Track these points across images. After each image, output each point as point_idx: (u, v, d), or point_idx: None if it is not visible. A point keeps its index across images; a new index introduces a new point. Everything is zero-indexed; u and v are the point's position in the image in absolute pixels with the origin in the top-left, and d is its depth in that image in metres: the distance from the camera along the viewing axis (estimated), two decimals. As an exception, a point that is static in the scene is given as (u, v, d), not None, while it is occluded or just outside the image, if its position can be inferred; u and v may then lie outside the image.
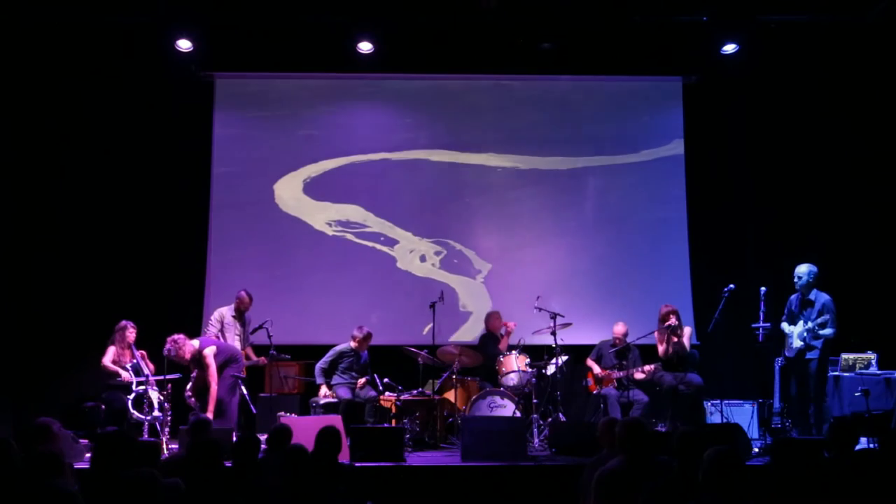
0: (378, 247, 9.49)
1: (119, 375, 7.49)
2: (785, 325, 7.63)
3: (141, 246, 8.93)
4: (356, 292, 9.27)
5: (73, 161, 9.05)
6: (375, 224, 9.53)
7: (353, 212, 9.54)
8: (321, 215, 9.52)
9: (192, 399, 7.45)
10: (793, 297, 7.68)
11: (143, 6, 8.26)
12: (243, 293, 8.24)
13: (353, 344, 8.07)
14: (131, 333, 7.66)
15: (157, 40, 8.45)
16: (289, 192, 9.51)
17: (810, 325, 7.42)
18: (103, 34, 8.73)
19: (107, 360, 7.57)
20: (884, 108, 8.92)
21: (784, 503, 4.16)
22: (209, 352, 7.41)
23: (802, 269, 7.58)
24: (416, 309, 8.85)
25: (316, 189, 9.53)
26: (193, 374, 7.48)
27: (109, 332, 7.73)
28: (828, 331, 7.40)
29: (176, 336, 7.35)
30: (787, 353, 7.65)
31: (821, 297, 7.51)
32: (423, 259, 9.52)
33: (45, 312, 8.75)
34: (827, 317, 7.35)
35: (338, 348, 8.09)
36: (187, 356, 7.36)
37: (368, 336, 8.08)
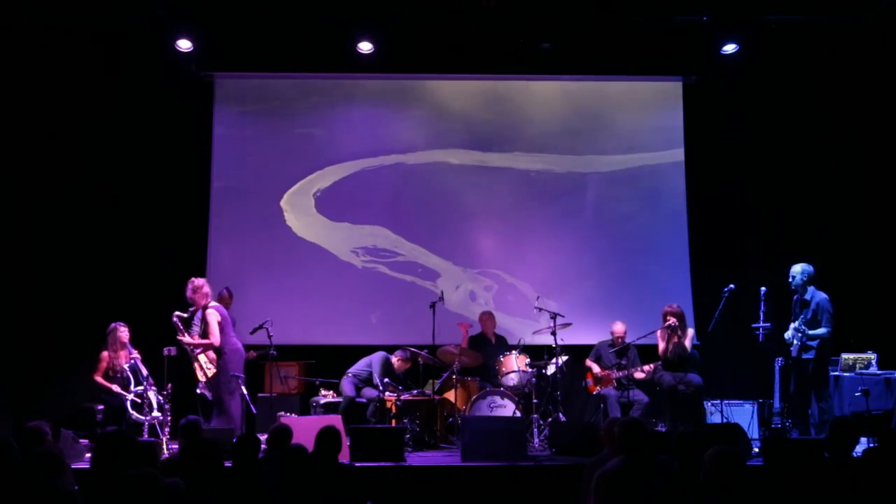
0: (419, 282, 9.03)
1: (111, 392, 7.47)
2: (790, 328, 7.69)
3: (141, 248, 8.91)
4: (362, 296, 9.19)
5: (73, 162, 9.03)
6: (408, 251, 9.17)
7: (380, 236, 9.21)
8: (344, 241, 9.18)
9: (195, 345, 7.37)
10: (797, 297, 7.72)
11: (143, 6, 8.26)
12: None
13: (395, 361, 8.14)
14: (124, 333, 7.63)
15: (157, 40, 8.44)
16: (300, 210, 9.22)
17: (796, 323, 7.54)
18: (103, 34, 8.73)
19: (99, 375, 7.54)
20: (884, 108, 8.92)
21: (783, 503, 4.16)
22: (212, 316, 7.34)
23: (796, 269, 7.66)
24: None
25: (330, 205, 9.26)
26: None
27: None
28: (821, 330, 7.49)
29: (200, 281, 7.39)
30: (792, 353, 7.68)
31: (816, 297, 7.60)
32: (472, 297, 9.11)
33: (44, 313, 8.73)
34: (812, 314, 7.49)
35: (380, 360, 8.09)
36: (200, 302, 7.34)
37: (409, 360, 8.20)
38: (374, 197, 9.32)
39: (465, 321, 8.72)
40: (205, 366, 7.37)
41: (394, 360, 8.15)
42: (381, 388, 7.82)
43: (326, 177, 9.36)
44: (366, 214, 9.30)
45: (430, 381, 8.18)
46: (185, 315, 7.36)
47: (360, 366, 8.15)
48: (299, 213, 9.28)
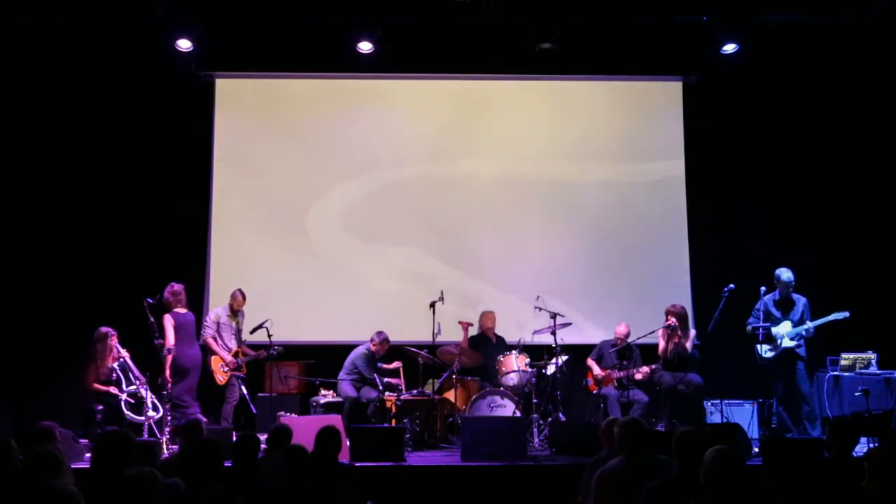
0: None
1: (109, 393, 7.46)
2: (778, 328, 7.73)
3: (141, 248, 8.89)
4: (362, 295, 9.18)
5: (73, 162, 9.03)
6: (447, 274, 8.96)
7: (415, 259, 9.10)
8: (374, 265, 9.10)
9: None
10: (766, 298, 7.77)
11: (143, 6, 8.25)
12: (237, 292, 8.28)
13: (372, 347, 8.13)
14: (113, 339, 7.57)
15: (157, 40, 8.44)
16: (324, 228, 9.17)
17: (809, 325, 7.63)
18: (103, 34, 8.73)
19: (92, 384, 7.48)
20: (884, 108, 8.91)
21: (783, 503, 4.16)
22: (167, 321, 7.68)
23: (791, 274, 7.76)
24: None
25: (358, 224, 9.20)
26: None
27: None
28: (806, 333, 7.72)
29: (178, 287, 7.86)
30: (766, 354, 7.74)
31: (801, 299, 7.81)
32: (520, 326, 8.61)
33: (45, 313, 8.73)
34: (800, 315, 7.71)
35: (360, 357, 8.09)
36: (167, 296, 7.78)
37: (386, 340, 8.17)
38: (403, 211, 9.32)
39: (465, 320, 8.71)
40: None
41: (372, 347, 8.13)
42: (380, 387, 7.82)
43: (350, 191, 9.32)
44: (394, 233, 9.27)
45: (430, 380, 8.17)
46: (153, 302, 7.50)
47: (347, 367, 8.14)
48: (325, 232, 9.26)
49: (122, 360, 7.50)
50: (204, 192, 9.28)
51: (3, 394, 8.38)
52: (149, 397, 7.29)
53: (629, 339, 8.20)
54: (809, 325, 7.65)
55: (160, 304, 7.68)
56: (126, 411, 7.27)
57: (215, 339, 8.09)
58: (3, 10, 8.32)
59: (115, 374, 7.46)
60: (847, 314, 7.53)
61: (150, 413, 7.23)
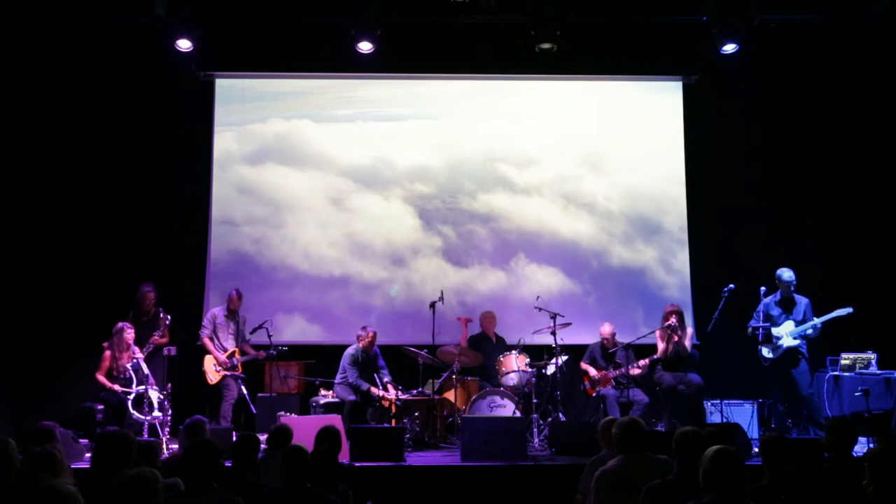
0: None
1: (112, 391, 7.52)
2: (779, 328, 7.75)
3: (140, 248, 8.89)
4: (361, 295, 9.19)
5: (73, 162, 9.02)
6: (447, 274, 8.97)
7: (415, 258, 9.05)
8: (374, 264, 9.07)
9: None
10: (767, 300, 7.78)
11: (143, 6, 8.25)
12: (233, 292, 8.32)
13: (361, 344, 8.09)
14: (129, 334, 7.66)
15: (157, 40, 8.43)
16: (325, 227, 9.18)
17: (816, 321, 7.65)
18: (103, 34, 8.73)
19: (102, 374, 7.61)
20: (884, 108, 8.91)
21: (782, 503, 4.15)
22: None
23: (792, 273, 7.79)
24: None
25: (358, 223, 9.18)
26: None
27: (108, 334, 7.73)
28: (813, 331, 7.73)
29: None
30: (767, 355, 7.76)
31: (803, 299, 7.85)
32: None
33: (44, 313, 8.72)
34: (803, 315, 7.74)
35: (346, 357, 8.07)
36: (151, 295, 8.10)
37: (374, 336, 8.10)
38: (384, 207, 9.30)
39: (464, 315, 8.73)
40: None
41: (361, 344, 8.07)
42: (363, 388, 7.85)
43: (334, 182, 9.32)
44: (385, 229, 9.27)
45: (430, 381, 8.17)
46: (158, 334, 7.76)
47: (340, 375, 8.10)
48: (315, 222, 9.26)
49: (136, 360, 7.53)
50: (204, 192, 9.28)
51: (3, 394, 8.37)
52: (156, 398, 7.31)
53: (615, 337, 8.22)
54: (816, 321, 7.65)
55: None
56: (132, 410, 7.28)
57: (211, 339, 8.13)
58: (3, 11, 8.32)
59: (127, 373, 7.49)
60: (851, 310, 7.53)
61: (156, 413, 7.24)
